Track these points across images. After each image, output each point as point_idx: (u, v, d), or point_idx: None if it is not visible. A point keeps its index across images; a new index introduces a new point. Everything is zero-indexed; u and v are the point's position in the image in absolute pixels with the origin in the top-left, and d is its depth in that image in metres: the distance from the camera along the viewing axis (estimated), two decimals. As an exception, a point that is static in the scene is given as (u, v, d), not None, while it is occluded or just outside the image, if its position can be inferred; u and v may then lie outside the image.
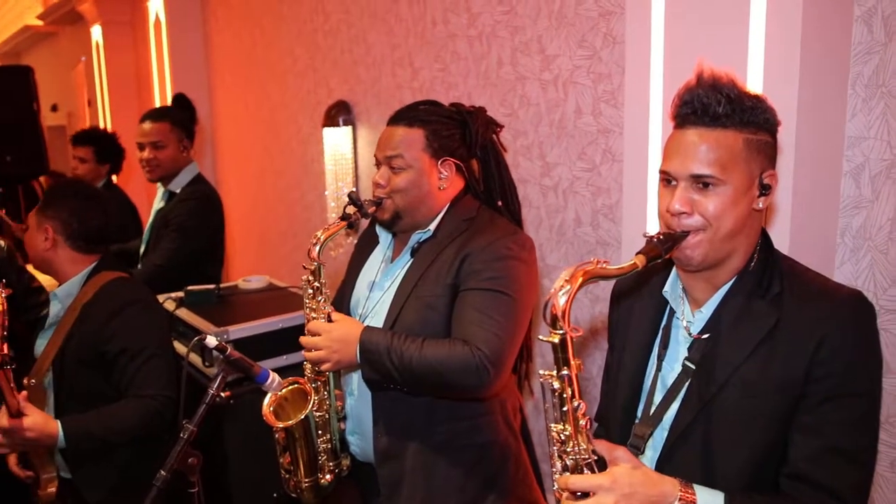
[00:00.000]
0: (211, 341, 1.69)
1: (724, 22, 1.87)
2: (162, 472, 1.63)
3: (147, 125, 3.34)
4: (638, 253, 1.30)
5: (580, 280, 1.25)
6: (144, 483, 1.66)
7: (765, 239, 1.41)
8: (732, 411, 1.33)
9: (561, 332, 1.25)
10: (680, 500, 1.25)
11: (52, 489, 2.22)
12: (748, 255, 1.38)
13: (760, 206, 1.34)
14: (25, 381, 2.23)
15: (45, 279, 2.83)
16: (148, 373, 2.18)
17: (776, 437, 1.31)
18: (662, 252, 1.31)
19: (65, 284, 2.33)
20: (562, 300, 1.24)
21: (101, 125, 6.88)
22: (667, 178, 1.36)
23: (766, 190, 1.34)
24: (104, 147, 4.16)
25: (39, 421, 2.00)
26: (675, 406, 1.40)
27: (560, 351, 1.26)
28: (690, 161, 1.30)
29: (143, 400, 2.13)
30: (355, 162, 3.95)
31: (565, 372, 1.27)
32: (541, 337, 1.29)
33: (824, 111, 1.92)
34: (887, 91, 1.86)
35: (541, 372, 1.30)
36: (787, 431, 1.31)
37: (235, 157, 5.46)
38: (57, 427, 2.03)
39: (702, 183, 1.30)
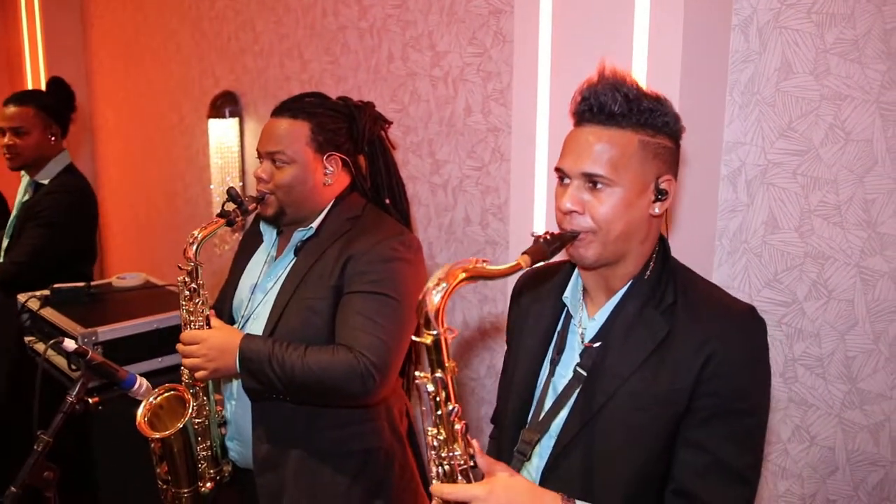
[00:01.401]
0: (69, 345, 1.57)
1: (610, 24, 1.89)
2: (12, 489, 1.49)
3: (9, 109, 3.08)
4: (523, 253, 1.26)
5: (458, 278, 1.18)
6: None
7: (662, 246, 1.38)
8: (619, 423, 1.30)
9: (434, 332, 1.18)
10: None
11: None
12: (643, 261, 1.35)
13: (657, 211, 1.31)
14: None
15: None
16: None
17: (661, 451, 1.28)
18: (548, 253, 1.27)
19: None
20: (436, 298, 1.16)
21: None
22: (561, 176, 1.32)
23: (662, 195, 1.31)
24: None
25: None
26: (563, 414, 1.36)
27: (434, 352, 1.19)
28: (583, 159, 1.27)
29: None
30: (242, 155, 3.81)
31: (439, 374, 1.20)
32: (414, 338, 1.22)
33: (704, 116, 1.97)
34: (762, 98, 1.93)
35: (417, 374, 1.24)
36: (673, 446, 1.28)
37: (115, 146, 5.18)
38: None
39: (592, 182, 1.27)
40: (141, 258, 4.92)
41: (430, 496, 2.05)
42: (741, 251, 2.01)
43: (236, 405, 1.94)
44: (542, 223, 2.21)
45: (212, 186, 3.87)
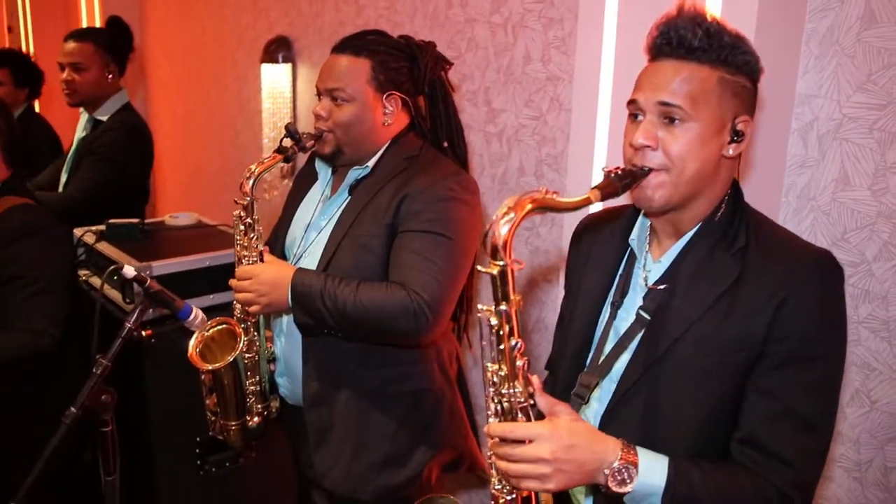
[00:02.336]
0: (129, 271, 1.58)
1: (684, -32, 1.81)
2: (72, 409, 1.52)
3: (69, 45, 3.10)
4: (593, 188, 1.21)
5: (527, 208, 1.13)
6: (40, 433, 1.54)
7: (735, 190, 1.33)
8: (684, 368, 1.26)
9: (501, 263, 1.14)
10: (620, 459, 1.18)
11: None
12: (714, 204, 1.30)
13: (731, 152, 1.26)
14: None
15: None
16: (37, 306, 2.05)
17: (728, 398, 1.24)
18: (620, 188, 1.22)
19: None
20: (503, 229, 1.12)
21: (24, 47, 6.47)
22: (634, 112, 1.28)
23: (738, 136, 1.26)
24: (21, 69, 3.86)
25: None
26: (625, 357, 1.33)
27: (500, 284, 1.15)
28: (660, 91, 1.22)
29: (27, 333, 2.01)
30: (294, 101, 3.79)
31: (503, 307, 1.16)
32: (479, 268, 1.18)
33: (778, 66, 1.89)
34: (840, 49, 1.84)
35: (479, 306, 1.20)
36: (740, 394, 1.24)
37: (168, 92, 5.21)
38: None
39: (668, 118, 1.22)
40: (191, 202, 4.96)
41: (478, 438, 2.07)
42: (808, 209, 1.94)
43: (286, 342, 1.95)
44: (601, 175, 2.16)
45: (263, 132, 3.87)
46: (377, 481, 1.88)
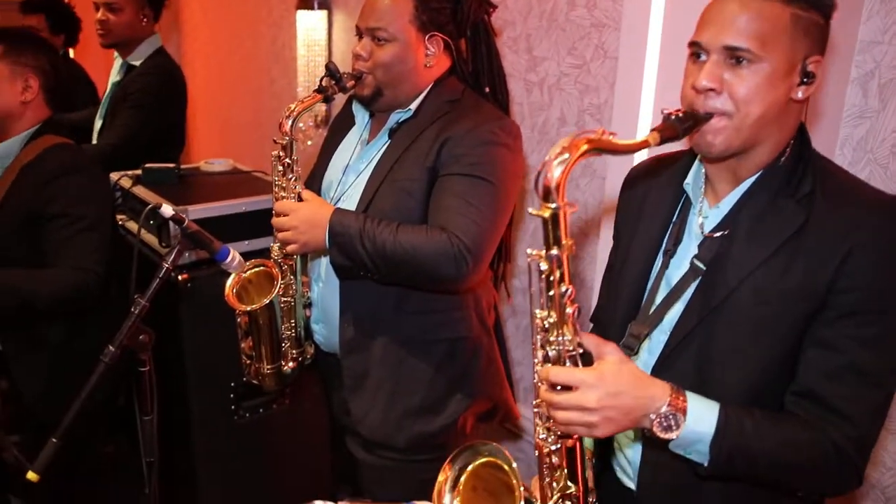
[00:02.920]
0: (167, 210, 1.57)
1: None
2: (110, 348, 1.51)
3: None
4: (652, 130, 1.16)
5: (582, 149, 1.08)
6: (81, 373, 1.54)
7: (801, 133, 1.26)
8: (740, 319, 1.21)
9: (554, 205, 1.09)
10: (669, 405, 1.14)
11: None
12: (778, 149, 1.23)
13: (800, 95, 1.19)
14: None
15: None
16: (82, 243, 2.04)
17: (786, 351, 1.20)
18: (680, 132, 1.16)
19: (7, 142, 2.14)
20: (557, 170, 1.07)
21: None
22: (696, 52, 1.21)
23: (808, 78, 1.18)
24: (57, 15, 3.84)
25: None
26: (677, 307, 1.29)
27: (551, 227, 1.11)
28: (726, 31, 1.15)
29: (71, 270, 1.99)
30: (329, 48, 3.72)
31: (555, 252, 1.12)
32: (530, 210, 1.14)
33: (840, 10, 1.79)
34: (908, -8, 1.74)
35: (528, 251, 1.16)
36: (799, 346, 1.20)
37: (201, 39, 5.16)
38: None
39: (735, 58, 1.15)
40: (225, 150, 4.95)
41: (513, 390, 2.05)
42: (864, 161, 1.86)
43: (323, 287, 1.93)
44: (647, 126, 2.10)
45: (298, 81, 3.82)
46: (412, 428, 1.87)
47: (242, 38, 4.59)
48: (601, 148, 1.11)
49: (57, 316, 2.06)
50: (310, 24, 3.68)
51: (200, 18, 5.12)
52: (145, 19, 3.15)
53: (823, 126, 1.87)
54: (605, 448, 1.45)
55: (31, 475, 1.47)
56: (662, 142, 1.15)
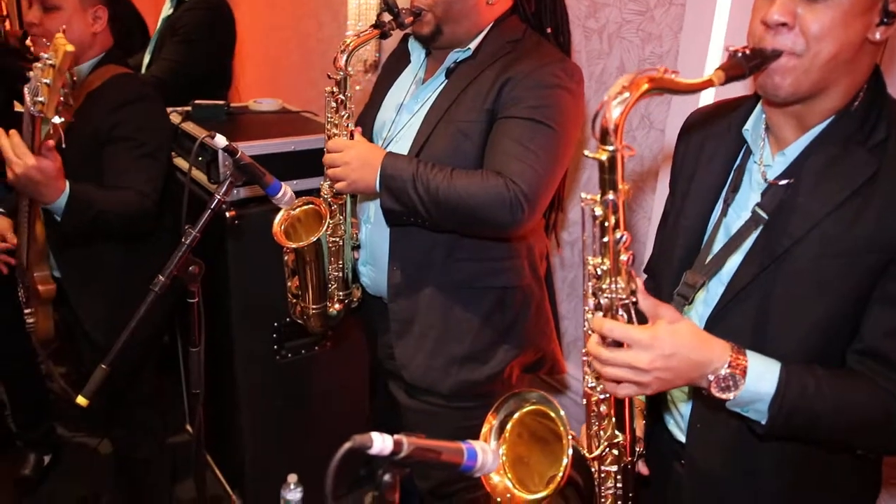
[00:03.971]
0: (220, 141, 1.54)
1: None
2: (160, 277, 1.50)
3: None
4: (717, 69, 1.09)
5: (643, 88, 1.02)
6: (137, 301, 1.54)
7: (876, 77, 1.18)
8: (805, 271, 1.16)
9: (611, 148, 1.04)
10: (729, 366, 1.10)
11: (52, 286, 2.14)
12: (851, 94, 1.16)
13: (878, 36, 1.11)
14: None
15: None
16: (144, 169, 2.05)
17: (852, 305, 1.15)
18: (746, 70, 1.09)
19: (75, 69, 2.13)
20: (616, 111, 1.02)
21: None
22: None
23: (889, 18, 1.10)
24: None
25: (55, 165, 1.78)
26: (736, 258, 1.24)
27: (608, 171, 1.05)
28: None
29: (135, 193, 2.00)
30: (381, -8, 3.65)
31: (611, 196, 1.07)
32: (587, 153, 1.08)
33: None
34: None
35: (582, 195, 1.11)
36: (865, 302, 1.14)
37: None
38: (65, 184, 1.84)
39: None
40: (273, 92, 4.91)
41: (560, 342, 2.02)
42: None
43: (372, 229, 1.90)
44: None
45: (349, 23, 3.76)
46: (457, 376, 1.84)
47: (292, -22, 4.53)
48: (663, 87, 1.05)
49: (117, 237, 2.10)
50: (362, -35, 3.60)
51: (249, -42, 5.05)
52: None
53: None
54: (657, 400, 1.42)
55: (81, 399, 1.48)
56: (727, 80, 1.08)
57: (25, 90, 1.68)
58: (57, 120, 1.71)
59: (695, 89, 1.08)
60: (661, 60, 2.36)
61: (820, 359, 1.16)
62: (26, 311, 2.15)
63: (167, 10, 3.19)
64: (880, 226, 1.11)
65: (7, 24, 4.73)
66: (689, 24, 2.15)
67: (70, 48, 1.66)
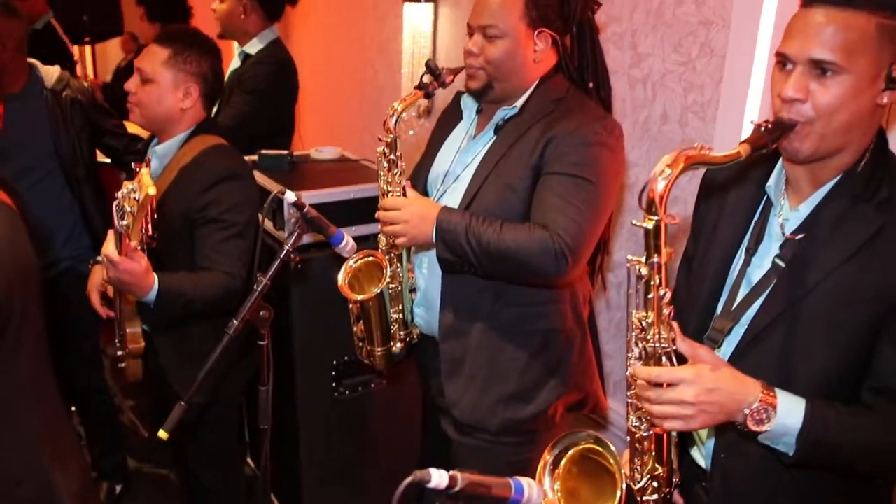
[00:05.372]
0: (290, 197, 1.68)
1: None
2: (234, 321, 1.64)
3: None
4: (743, 142, 1.23)
5: (682, 165, 1.18)
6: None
7: (880, 138, 1.30)
8: (819, 317, 1.27)
9: (656, 217, 1.20)
10: (760, 401, 1.21)
11: (141, 345, 2.17)
12: (859, 153, 1.28)
13: (885, 101, 1.23)
14: None
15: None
16: (231, 250, 2.10)
17: (861, 348, 1.26)
18: (769, 142, 1.23)
19: (166, 143, 2.23)
20: (661, 185, 1.18)
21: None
22: (783, 61, 1.26)
23: (894, 83, 1.21)
24: (157, 8, 4.04)
25: (141, 266, 1.85)
26: (757, 304, 1.35)
27: (653, 237, 1.22)
28: (812, 43, 1.20)
29: (224, 275, 2.07)
30: (434, 41, 3.81)
31: (655, 259, 1.22)
32: (634, 221, 1.24)
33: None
34: None
35: (629, 257, 1.26)
36: (875, 344, 1.25)
37: (308, 27, 5.35)
38: (154, 280, 1.91)
39: (821, 69, 1.20)
40: (332, 138, 5.11)
41: (603, 382, 2.10)
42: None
43: (427, 275, 2.03)
44: (751, 126, 2.10)
45: (402, 72, 3.93)
46: (504, 414, 1.95)
47: (349, 27, 4.74)
48: (699, 162, 1.20)
49: (207, 317, 2.12)
50: (416, 16, 3.78)
51: (308, 5, 5.29)
52: (244, 12, 3.26)
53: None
54: (683, 435, 1.53)
55: (162, 433, 1.61)
56: (753, 152, 1.22)
57: (114, 207, 1.73)
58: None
59: (725, 162, 1.23)
60: (703, 109, 2.46)
61: (834, 395, 1.27)
62: (118, 352, 2.20)
63: (235, 63, 3.39)
64: (884, 278, 1.23)
65: (78, 68, 4.94)
66: (730, 74, 2.25)
67: (152, 191, 1.68)
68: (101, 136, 2.86)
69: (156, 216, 1.76)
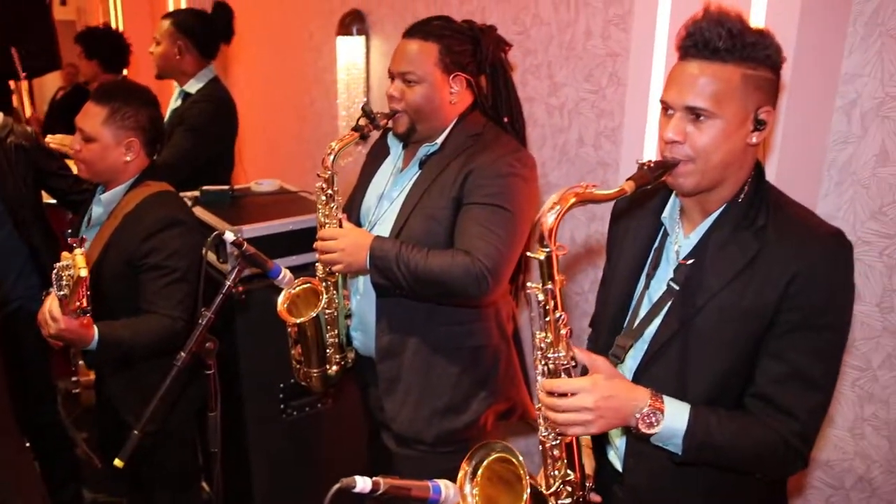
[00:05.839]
0: (229, 236, 1.82)
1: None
2: (182, 354, 1.78)
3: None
4: (628, 179, 1.38)
5: (570, 202, 1.33)
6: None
7: (758, 172, 1.47)
8: (707, 333, 1.43)
9: (547, 249, 1.34)
10: (649, 406, 1.37)
11: (92, 375, 2.27)
12: (739, 186, 1.44)
13: (754, 140, 1.40)
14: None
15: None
16: (173, 294, 2.19)
17: (745, 359, 1.42)
18: (651, 179, 1.38)
19: (111, 191, 2.32)
20: (550, 219, 1.33)
21: (113, 21, 6.84)
22: (666, 108, 1.42)
23: (760, 125, 1.39)
24: (96, 46, 4.17)
25: (82, 325, 1.96)
26: (656, 322, 1.51)
27: (546, 267, 1.36)
28: (687, 92, 1.36)
29: (165, 319, 2.16)
30: (367, 72, 3.98)
31: (549, 286, 1.37)
32: (528, 253, 1.39)
33: (823, 47, 1.98)
34: (885, 30, 1.92)
35: (528, 284, 1.41)
36: (756, 356, 1.42)
37: (246, 60, 5.47)
38: (94, 333, 2.01)
39: (695, 115, 1.36)
40: (271, 169, 5.24)
41: (529, 390, 2.28)
42: (848, 182, 2.04)
43: (361, 300, 2.18)
44: (653, 147, 2.30)
45: (338, 101, 4.08)
46: (440, 426, 2.11)
47: (286, 60, 4.88)
48: (585, 199, 1.35)
49: (149, 358, 2.22)
50: (348, 48, 3.94)
51: (245, 40, 5.40)
52: (179, 53, 3.38)
53: (812, 150, 2.06)
54: (600, 437, 1.69)
55: (118, 462, 1.73)
56: (637, 189, 1.38)
57: (53, 276, 1.84)
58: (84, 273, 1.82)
59: (611, 198, 1.39)
60: (613, 133, 2.67)
61: (723, 401, 1.44)
62: (73, 378, 2.31)
63: (176, 102, 3.50)
64: (760, 297, 1.39)
65: (14, 98, 4.91)
66: (631, 101, 2.45)
67: (84, 273, 1.78)
68: (47, 179, 2.92)
69: (89, 293, 1.85)
